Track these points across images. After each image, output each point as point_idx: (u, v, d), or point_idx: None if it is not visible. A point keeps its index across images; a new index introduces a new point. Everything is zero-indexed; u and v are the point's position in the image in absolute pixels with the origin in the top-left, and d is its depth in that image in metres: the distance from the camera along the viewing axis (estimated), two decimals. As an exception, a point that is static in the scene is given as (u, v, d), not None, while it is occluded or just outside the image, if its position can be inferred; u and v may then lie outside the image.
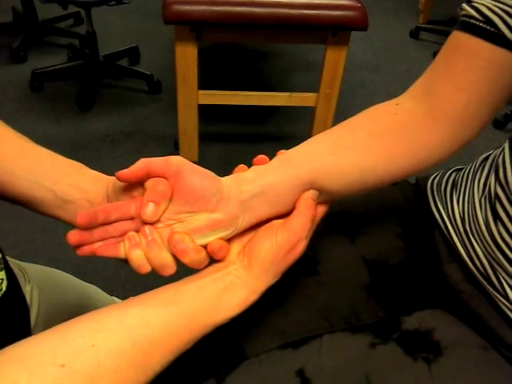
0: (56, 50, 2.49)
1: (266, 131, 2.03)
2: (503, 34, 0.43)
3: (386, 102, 0.52)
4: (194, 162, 0.43)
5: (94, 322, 0.38)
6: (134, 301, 0.41)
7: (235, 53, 2.62)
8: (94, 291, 0.76)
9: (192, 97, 1.58)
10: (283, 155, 0.47)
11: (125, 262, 0.43)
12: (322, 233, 0.64)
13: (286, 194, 0.45)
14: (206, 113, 1.81)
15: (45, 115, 2.04)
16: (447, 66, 0.48)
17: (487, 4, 0.45)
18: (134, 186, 0.44)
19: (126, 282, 1.39)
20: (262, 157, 0.47)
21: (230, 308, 0.42)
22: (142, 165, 0.42)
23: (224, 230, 0.43)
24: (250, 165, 0.48)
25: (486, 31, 0.44)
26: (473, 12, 0.46)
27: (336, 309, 0.60)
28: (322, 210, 0.49)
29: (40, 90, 2.18)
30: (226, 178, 0.45)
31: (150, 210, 0.41)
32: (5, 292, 0.44)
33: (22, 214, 1.56)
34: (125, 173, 0.41)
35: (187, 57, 1.49)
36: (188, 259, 0.41)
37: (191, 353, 0.58)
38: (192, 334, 0.40)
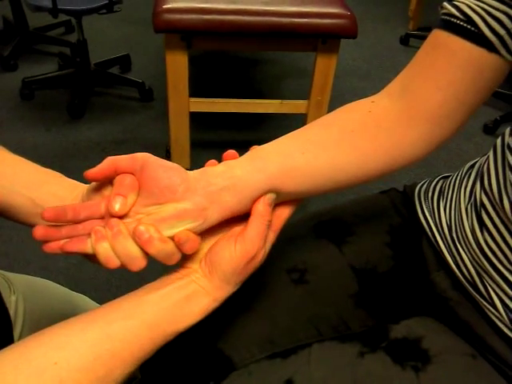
0: (47, 59, 2.48)
1: (258, 138, 2.03)
2: (483, 34, 0.43)
3: (363, 100, 0.52)
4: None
5: (57, 338, 0.38)
6: (97, 312, 0.40)
7: (226, 60, 2.63)
8: (83, 301, 0.75)
9: (183, 105, 1.58)
10: (255, 152, 0.46)
11: (93, 259, 0.42)
12: (310, 241, 0.64)
13: (256, 190, 0.44)
14: (198, 120, 1.81)
15: (35, 123, 2.03)
16: (425, 64, 0.48)
17: (468, 3, 0.44)
18: (105, 186, 0.44)
19: (117, 290, 1.38)
20: (231, 152, 0.47)
21: (191, 316, 0.42)
22: (109, 162, 0.42)
23: (192, 222, 0.42)
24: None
25: (467, 30, 0.44)
26: (454, 11, 0.45)
27: (325, 318, 0.60)
28: (289, 210, 0.48)
29: (31, 99, 2.18)
30: (193, 171, 0.44)
31: (118, 203, 0.41)
32: None
33: (12, 223, 1.55)
34: (93, 171, 0.42)
35: (178, 65, 1.49)
36: (154, 249, 0.40)
37: (180, 364, 0.58)
38: (154, 343, 0.40)
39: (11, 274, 0.60)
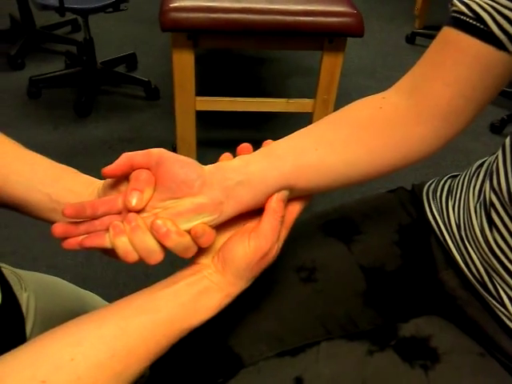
0: (53, 57, 2.50)
1: (264, 137, 2.01)
2: (492, 32, 0.44)
3: (374, 96, 0.52)
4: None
5: (73, 334, 0.38)
6: (111, 309, 0.41)
7: (232, 59, 2.63)
8: (92, 298, 0.75)
9: (189, 103, 1.59)
10: (269, 148, 0.47)
11: (111, 253, 0.43)
12: (319, 240, 0.64)
13: (270, 186, 0.44)
14: (204, 119, 1.81)
15: (43, 122, 2.04)
16: (435, 62, 0.48)
17: (478, 1, 0.45)
18: (121, 182, 0.45)
19: (124, 288, 1.39)
20: (245, 145, 0.47)
21: (205, 311, 0.43)
22: (125, 159, 0.43)
23: (208, 216, 0.42)
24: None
25: (476, 28, 0.45)
26: (463, 8, 0.46)
27: (333, 316, 0.60)
28: (300, 206, 0.48)
29: (38, 97, 2.19)
30: (209, 165, 0.45)
31: (134, 198, 0.41)
32: (0, 305, 0.44)
33: (19, 221, 1.57)
34: (110, 168, 0.42)
35: (184, 64, 1.49)
36: (171, 243, 0.40)
37: (189, 361, 0.59)
38: (169, 339, 0.41)
39: (22, 271, 0.61)
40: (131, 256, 0.41)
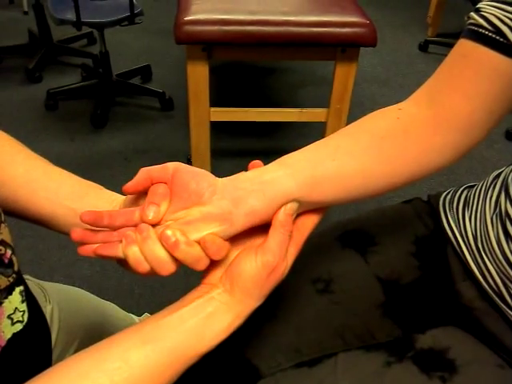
0: (70, 70, 2.54)
1: (277, 146, 2.04)
2: None
3: (390, 107, 0.52)
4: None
5: (75, 370, 0.38)
6: (115, 339, 0.40)
7: (245, 70, 2.65)
8: (112, 309, 0.77)
9: (204, 114, 1.60)
10: (284, 158, 0.46)
11: (125, 265, 0.43)
12: (335, 251, 0.65)
13: (285, 196, 0.43)
14: (218, 129, 1.83)
15: (59, 133, 2.08)
16: (453, 74, 0.48)
17: (497, 14, 0.45)
18: (141, 197, 0.45)
19: (140, 298, 1.40)
20: (257, 162, 0.47)
21: (214, 336, 0.41)
22: (145, 174, 0.43)
23: (218, 226, 0.41)
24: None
25: (495, 41, 0.45)
26: (482, 21, 0.46)
27: (351, 327, 0.60)
28: (313, 221, 0.47)
29: (55, 109, 2.23)
30: (224, 178, 0.44)
31: (151, 212, 0.41)
32: (26, 323, 0.45)
33: (37, 232, 1.59)
34: (130, 185, 0.43)
35: (199, 75, 1.51)
36: (180, 253, 0.40)
37: (207, 372, 0.59)
38: (174, 369, 0.40)
39: (46, 283, 0.62)
40: (142, 266, 0.41)
